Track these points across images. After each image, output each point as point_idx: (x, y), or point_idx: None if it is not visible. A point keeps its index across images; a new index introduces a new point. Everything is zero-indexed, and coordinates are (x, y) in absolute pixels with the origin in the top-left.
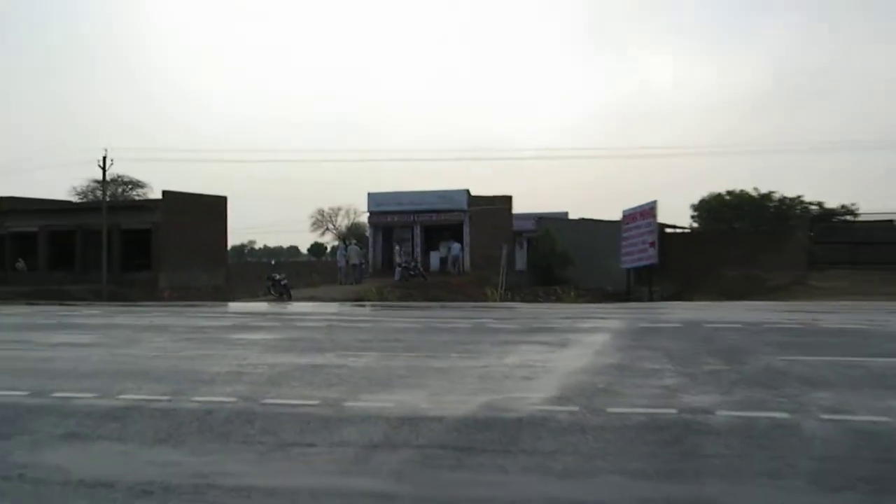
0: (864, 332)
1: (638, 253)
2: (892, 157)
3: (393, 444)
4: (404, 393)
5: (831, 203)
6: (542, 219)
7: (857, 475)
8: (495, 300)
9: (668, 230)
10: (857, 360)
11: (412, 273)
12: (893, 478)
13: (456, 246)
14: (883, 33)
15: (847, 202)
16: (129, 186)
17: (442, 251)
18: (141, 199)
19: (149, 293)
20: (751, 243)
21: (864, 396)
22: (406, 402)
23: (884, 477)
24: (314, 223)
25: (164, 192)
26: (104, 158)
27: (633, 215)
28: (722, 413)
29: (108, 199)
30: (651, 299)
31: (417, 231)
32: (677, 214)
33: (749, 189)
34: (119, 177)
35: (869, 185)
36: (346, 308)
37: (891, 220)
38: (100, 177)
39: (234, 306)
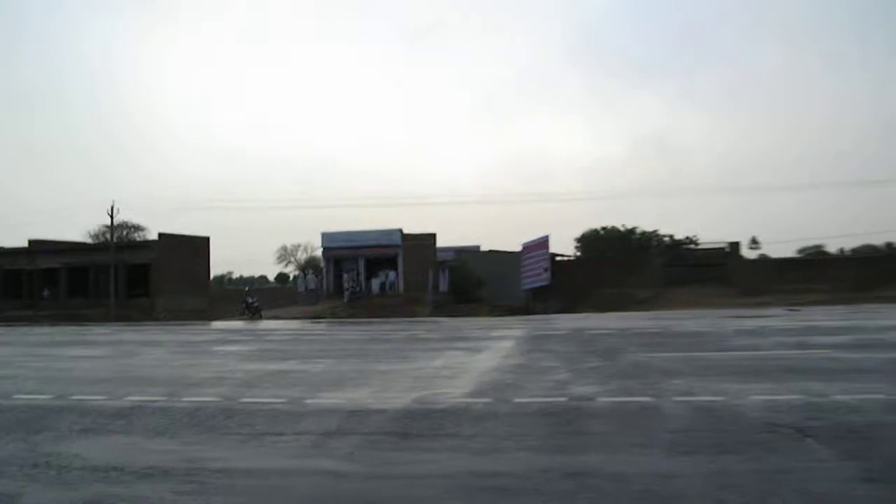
0: (707, 334)
1: (534, 276)
2: (720, 199)
3: (344, 432)
4: (353, 391)
5: (679, 235)
6: (459, 251)
7: (701, 442)
8: (424, 316)
9: (558, 258)
10: (701, 355)
11: (358, 295)
12: (727, 442)
13: (392, 273)
14: (701, 108)
15: (691, 234)
16: (132, 229)
17: (381, 278)
18: (141, 240)
19: (147, 315)
20: (620, 267)
21: (706, 382)
22: (355, 398)
23: (721, 442)
24: (279, 257)
25: (160, 235)
26: (112, 207)
27: (530, 247)
28: (601, 399)
29: (115, 241)
30: (545, 313)
31: (361, 262)
32: (564, 246)
33: (618, 225)
34: (124, 222)
35: (707, 221)
36: (306, 324)
37: (723, 248)
38: (108, 221)
39: (216, 325)
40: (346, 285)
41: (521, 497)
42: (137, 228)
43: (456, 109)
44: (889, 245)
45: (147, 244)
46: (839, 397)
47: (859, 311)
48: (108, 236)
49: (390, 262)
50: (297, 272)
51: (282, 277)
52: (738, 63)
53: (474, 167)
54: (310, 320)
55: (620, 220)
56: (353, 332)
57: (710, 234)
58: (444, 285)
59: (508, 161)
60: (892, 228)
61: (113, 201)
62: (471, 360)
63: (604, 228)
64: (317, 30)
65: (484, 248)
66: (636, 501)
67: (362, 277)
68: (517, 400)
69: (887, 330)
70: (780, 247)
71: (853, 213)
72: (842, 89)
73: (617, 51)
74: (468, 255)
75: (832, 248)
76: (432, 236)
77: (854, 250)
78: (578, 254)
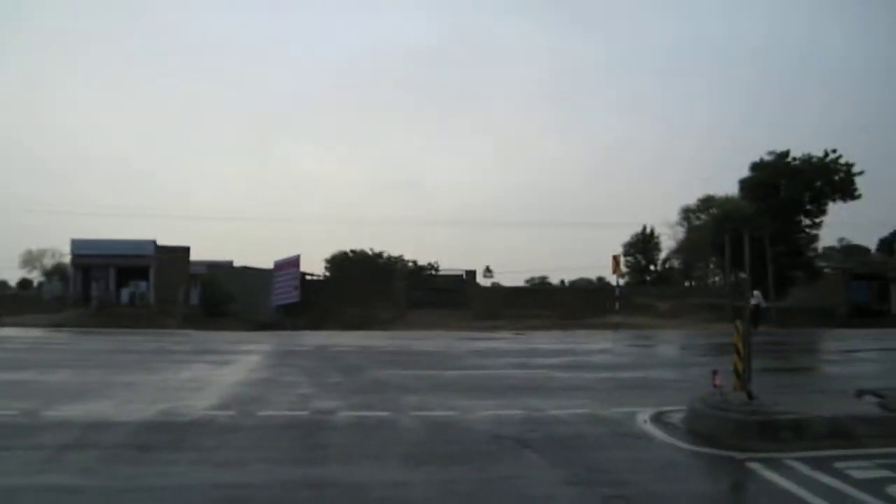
0: (443, 353)
1: (285, 293)
2: (461, 231)
3: (82, 445)
4: (95, 402)
5: (423, 261)
6: (212, 265)
7: (433, 453)
8: (174, 328)
9: (308, 277)
10: (435, 373)
11: (105, 305)
12: (456, 453)
13: (143, 284)
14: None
15: (433, 261)
16: None
17: (132, 288)
18: None
19: None
20: (366, 288)
21: (440, 398)
22: (96, 410)
23: (451, 453)
24: (23, 261)
25: None
26: None
27: (282, 265)
28: (342, 413)
29: None
30: (294, 329)
31: (112, 271)
32: (315, 265)
33: (367, 249)
34: None
35: (449, 250)
36: (49, 333)
37: (461, 275)
38: None
39: None
40: (93, 294)
41: None
42: None
43: (224, 125)
44: (600, 279)
45: None
46: (553, 412)
47: (573, 336)
48: None
49: (142, 273)
50: (42, 279)
51: (25, 283)
52: (483, 109)
53: (234, 186)
54: (53, 329)
55: (369, 244)
56: (98, 342)
57: (451, 262)
58: (196, 298)
59: (266, 182)
60: (604, 265)
61: None
62: (218, 373)
63: (353, 251)
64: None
65: (238, 263)
66: None
67: (112, 287)
68: (261, 413)
69: (594, 353)
70: (512, 276)
71: (573, 249)
72: (563, 146)
73: (373, 88)
74: (220, 270)
75: (555, 279)
76: (186, 249)
77: (572, 282)
78: (328, 274)
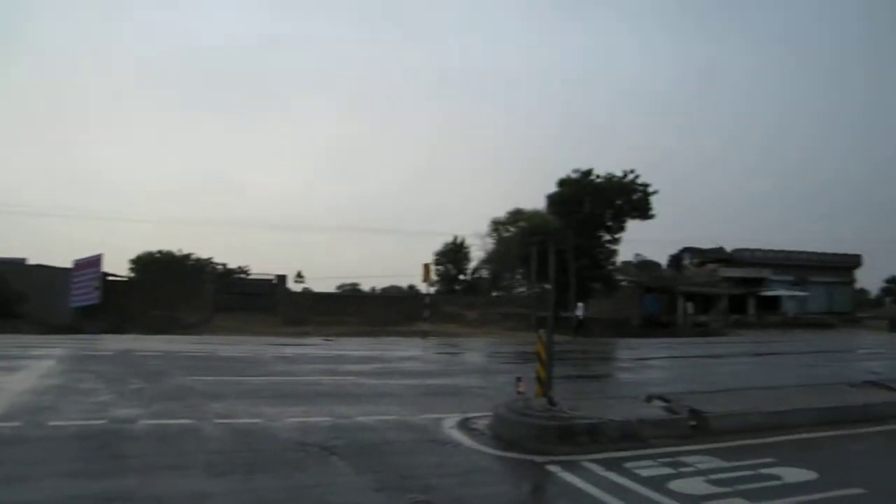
0: (250, 359)
1: (84, 294)
2: (274, 235)
3: None
4: None
5: (233, 265)
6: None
7: (238, 462)
8: None
9: (111, 277)
10: (242, 379)
11: None
12: (262, 461)
13: None
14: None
15: (244, 265)
16: None
17: None
18: None
19: None
20: (173, 290)
21: (245, 405)
22: None
23: (256, 462)
24: None
25: None
26: None
27: (82, 264)
28: (143, 422)
29: None
30: (94, 332)
31: None
32: (120, 266)
33: (175, 250)
34: None
35: (262, 253)
36: None
37: (271, 279)
38: None
39: None
40: None
41: None
42: None
43: (18, 113)
44: (411, 287)
45: None
46: (360, 418)
47: (383, 342)
48: None
49: None
50: None
51: None
52: (303, 114)
53: (28, 178)
54: None
55: (179, 245)
56: None
57: (266, 266)
58: None
59: (65, 177)
60: (416, 273)
61: None
62: (4, 381)
63: (160, 252)
64: None
65: (32, 261)
66: None
67: None
68: (52, 423)
69: (403, 360)
70: (325, 282)
71: (387, 257)
72: (382, 154)
73: (189, 87)
74: (8, 267)
75: (367, 286)
76: None
77: (384, 289)
78: (133, 275)
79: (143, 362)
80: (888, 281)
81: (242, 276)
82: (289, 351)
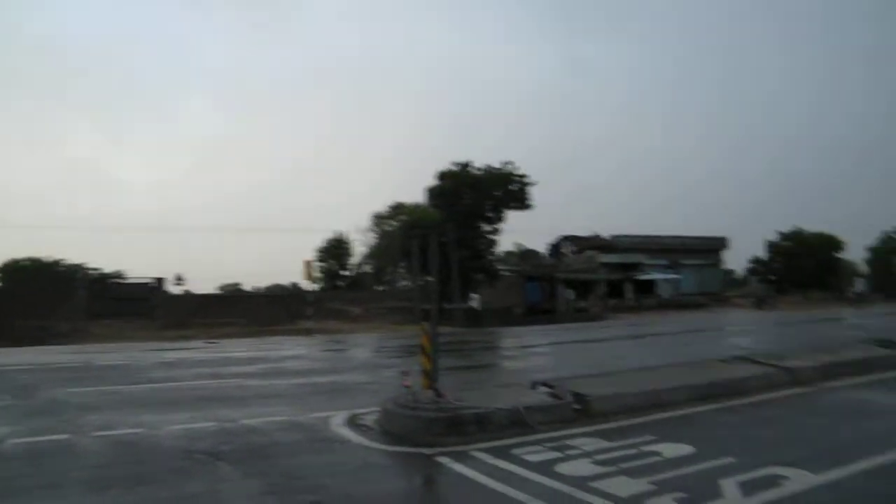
0: (128, 367)
1: None
2: (154, 237)
3: None
4: None
5: (108, 269)
6: None
7: (120, 475)
8: None
9: None
10: (120, 388)
11: None
12: (146, 473)
13: None
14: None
15: (120, 269)
16: None
17: None
18: None
19: None
20: (43, 299)
21: (125, 415)
22: None
23: (139, 473)
24: None
25: None
26: None
27: None
28: (10, 441)
29: None
30: None
31: None
32: None
33: (43, 256)
34: None
35: (139, 256)
36: None
37: (148, 283)
38: None
39: None
40: None
41: None
42: None
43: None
44: (294, 285)
45: None
46: (247, 421)
47: (267, 342)
48: None
49: None
50: None
51: None
52: (179, 111)
53: None
54: None
55: (50, 251)
56: None
57: (145, 269)
58: None
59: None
60: (298, 270)
61: None
62: None
63: (29, 259)
64: None
65: None
66: None
67: None
68: None
69: (288, 359)
70: (206, 283)
71: (269, 255)
72: (261, 152)
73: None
74: None
75: (249, 285)
76: None
77: (267, 288)
78: None
79: (12, 377)
80: (752, 261)
81: (118, 280)
82: (170, 356)
